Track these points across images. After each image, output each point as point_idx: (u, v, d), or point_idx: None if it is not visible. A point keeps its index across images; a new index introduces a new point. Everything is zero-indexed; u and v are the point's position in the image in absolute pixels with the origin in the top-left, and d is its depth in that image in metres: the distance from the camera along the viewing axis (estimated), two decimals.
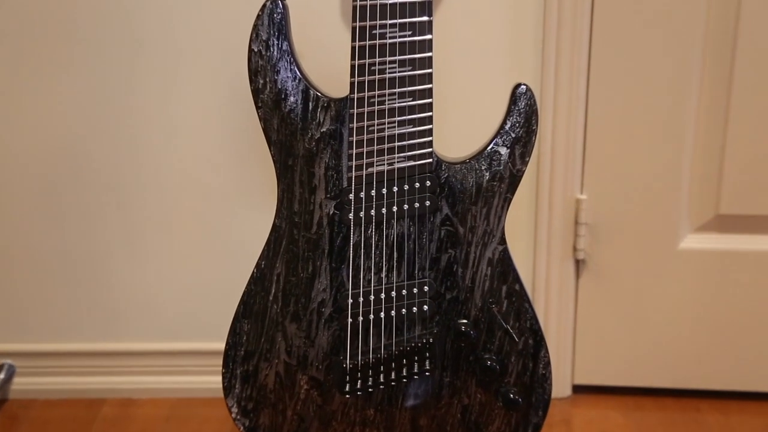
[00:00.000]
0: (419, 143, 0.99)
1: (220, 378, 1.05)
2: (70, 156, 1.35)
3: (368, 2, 0.93)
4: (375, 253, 1.02)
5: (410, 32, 0.94)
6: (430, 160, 1.00)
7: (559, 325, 1.40)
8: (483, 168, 1.02)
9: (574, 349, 1.42)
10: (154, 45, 1.29)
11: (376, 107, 0.96)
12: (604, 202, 1.33)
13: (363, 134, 0.97)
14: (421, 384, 1.07)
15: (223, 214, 1.38)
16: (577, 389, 1.45)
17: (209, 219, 1.38)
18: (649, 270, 1.37)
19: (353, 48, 0.94)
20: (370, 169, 0.99)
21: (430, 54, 0.96)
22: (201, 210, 1.38)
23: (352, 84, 0.95)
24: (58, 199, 1.37)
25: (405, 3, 0.94)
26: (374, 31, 0.94)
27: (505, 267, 1.05)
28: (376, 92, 0.96)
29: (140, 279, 1.42)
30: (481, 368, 1.07)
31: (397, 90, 0.96)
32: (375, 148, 0.98)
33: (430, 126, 0.98)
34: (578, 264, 1.38)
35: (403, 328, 1.05)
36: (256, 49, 0.95)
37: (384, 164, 0.99)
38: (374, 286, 1.03)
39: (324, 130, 0.98)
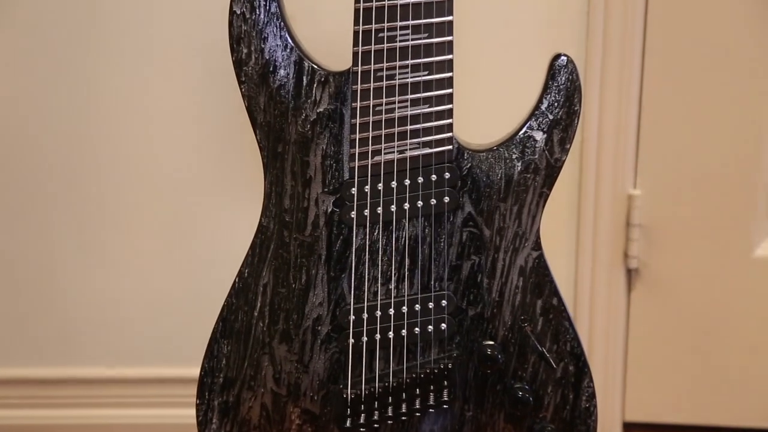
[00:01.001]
0: (436, 127, 1.00)
1: (193, 411, 1.07)
2: (8, 141, 1.37)
3: None
4: (382, 259, 1.04)
5: None
6: (450, 147, 1.01)
7: (607, 349, 1.41)
8: (514, 157, 1.03)
9: (624, 378, 1.43)
10: (110, 3, 1.31)
11: (384, 83, 0.98)
12: (662, 199, 1.35)
13: (368, 115, 0.99)
14: (437, 419, 1.09)
15: (197, 212, 1.40)
16: (629, 427, 1.46)
17: (181, 218, 1.40)
18: (718, 282, 1.38)
19: (356, 10, 0.96)
20: (376, 158, 1.00)
21: (450, 18, 0.97)
22: (171, 207, 1.40)
23: (355, 54, 0.97)
24: None
25: None
26: None
27: (540, 277, 1.06)
28: (385, 64, 0.97)
29: (97, 290, 1.44)
30: (510, 400, 1.08)
31: (410, 62, 0.98)
32: (383, 132, 0.99)
33: (450, 106, 1.00)
34: (630, 274, 1.39)
35: (417, 350, 1.06)
36: (238, 11, 0.97)
37: (394, 152, 1.00)
38: (381, 300, 1.05)
39: (321, 110, 1.00)
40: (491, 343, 1.07)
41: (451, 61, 0.98)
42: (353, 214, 1.02)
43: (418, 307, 1.05)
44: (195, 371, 1.07)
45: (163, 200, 1.40)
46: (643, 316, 1.41)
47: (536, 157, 1.03)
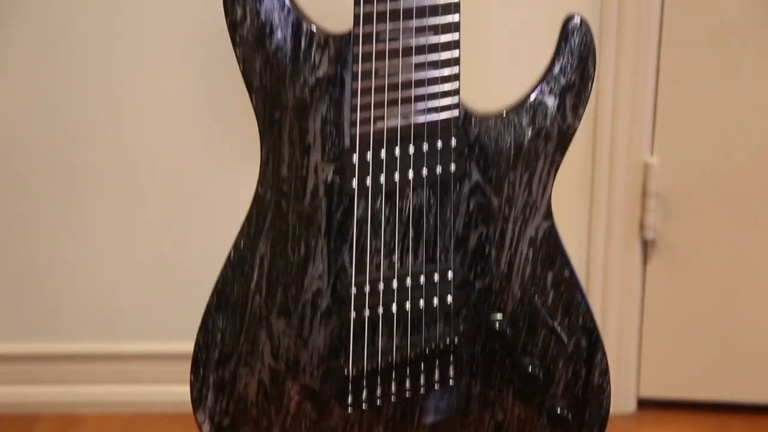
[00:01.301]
0: (442, 92, 1.01)
1: (187, 388, 1.08)
2: None
3: None
4: (385, 230, 1.05)
5: None
6: (457, 113, 1.02)
7: (621, 322, 1.42)
8: (524, 123, 1.04)
9: (639, 352, 1.44)
10: None
11: (387, 45, 0.98)
12: (680, 167, 1.35)
13: (370, 80, 0.99)
14: (443, 396, 1.10)
15: (190, 181, 1.41)
16: (644, 404, 1.48)
17: (173, 187, 1.41)
18: (739, 254, 1.38)
19: None
20: (379, 125, 1.01)
21: None
22: (162, 176, 1.41)
23: (356, 15, 0.97)
24: None
25: None
26: None
27: (551, 248, 1.07)
28: (387, 26, 0.98)
29: (85, 264, 1.45)
30: (520, 376, 1.09)
31: (414, 23, 0.98)
32: (385, 97, 1.00)
33: (457, 69, 1.00)
34: (646, 245, 1.40)
35: (421, 325, 1.07)
36: None
37: (397, 118, 1.01)
38: (384, 273, 1.05)
39: (320, 74, 1.00)
40: (499, 316, 1.08)
41: (458, 22, 0.99)
42: (354, 183, 1.02)
43: (422, 279, 1.06)
44: (189, 346, 1.08)
45: (155, 169, 1.41)
46: (659, 289, 1.42)
47: (548, 123, 1.04)
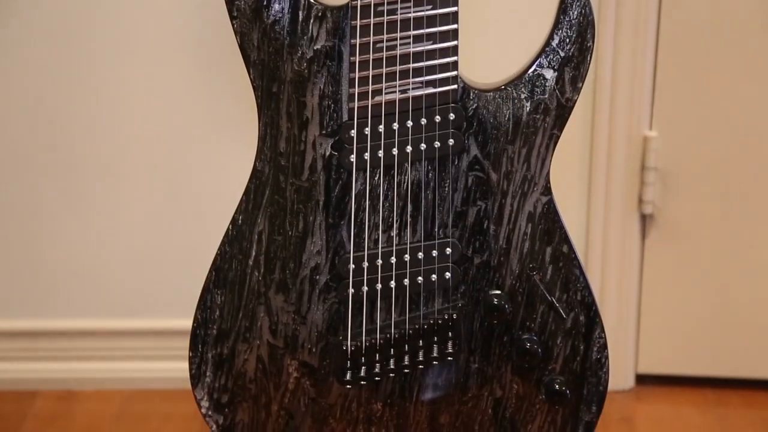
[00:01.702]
0: (441, 65, 1.00)
1: (185, 364, 1.09)
2: None
3: None
4: (384, 205, 1.04)
5: None
6: (455, 86, 1.02)
7: (620, 298, 1.42)
8: (523, 96, 1.03)
9: (638, 327, 1.44)
10: None
11: (386, 18, 0.98)
12: (680, 140, 1.35)
13: (368, 53, 0.99)
14: (442, 372, 1.10)
15: (188, 155, 1.40)
16: (642, 379, 1.48)
17: (170, 162, 1.41)
18: (738, 229, 1.38)
19: None
20: (377, 98, 1.00)
21: None
22: (160, 150, 1.40)
23: None
24: None
25: None
26: None
27: (550, 223, 1.07)
28: None
29: (82, 239, 1.44)
30: (518, 352, 1.09)
31: None
32: (384, 70, 0.99)
33: (456, 42, 1.00)
34: (645, 220, 1.40)
35: (420, 300, 1.07)
36: None
37: (395, 91, 1.00)
38: (382, 248, 1.05)
39: (318, 47, 1.00)
40: (498, 292, 1.08)
41: None
42: (353, 158, 1.02)
43: (421, 255, 1.06)
44: (187, 323, 1.09)
45: (153, 145, 1.40)
46: (658, 264, 1.42)
47: (546, 96, 1.03)
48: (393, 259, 1.06)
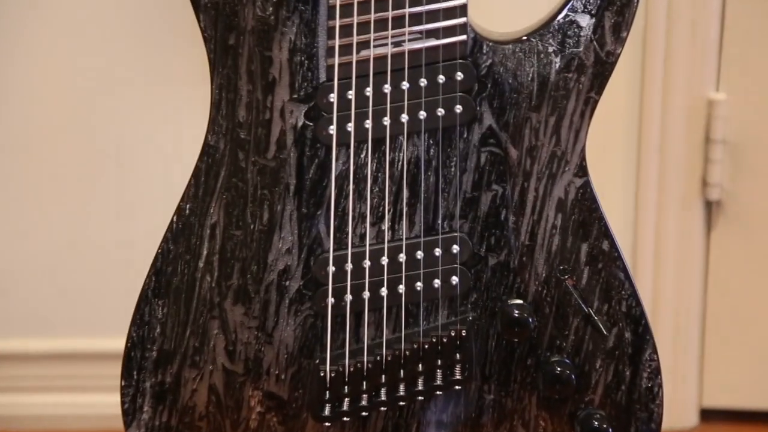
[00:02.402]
0: (445, 9, 1.02)
1: (116, 397, 1.10)
2: None
3: None
4: (372, 191, 1.07)
5: None
6: (464, 37, 1.03)
7: (678, 309, 1.42)
8: (551, 50, 1.05)
9: (702, 348, 1.45)
10: None
11: None
12: (754, 106, 1.35)
13: None
14: (447, 405, 1.12)
15: (117, 127, 1.40)
16: (708, 415, 1.49)
17: (94, 133, 1.41)
18: None
19: None
20: (363, 53, 1.02)
21: None
22: (80, 118, 1.41)
23: None
24: None
25: None
26: None
27: (586, 213, 1.09)
28: None
29: None
30: (546, 379, 1.12)
31: None
32: (372, 17, 1.01)
33: None
34: (710, 208, 1.41)
35: (419, 313, 1.10)
36: None
37: (387, 44, 1.02)
38: (371, 246, 1.08)
39: None
40: (519, 302, 1.10)
41: None
42: (332, 130, 1.04)
43: (420, 254, 1.08)
44: (119, 343, 1.10)
45: (70, 109, 1.41)
46: (728, 263, 1.42)
47: (581, 49, 1.05)
48: (384, 260, 1.08)
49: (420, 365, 1.11)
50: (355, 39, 1.02)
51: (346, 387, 1.10)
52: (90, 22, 1.41)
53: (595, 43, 1.05)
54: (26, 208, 1.45)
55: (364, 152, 1.06)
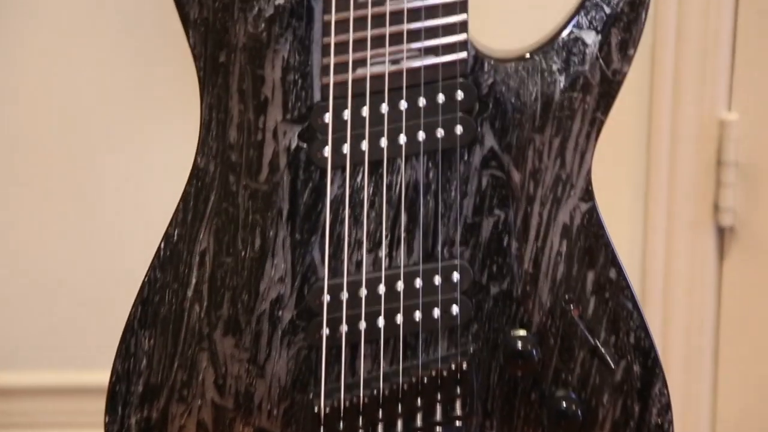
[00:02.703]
0: (445, 26, 1.02)
1: None
2: None
3: None
4: (369, 216, 1.05)
5: None
6: (464, 54, 1.03)
7: (689, 340, 1.42)
8: (555, 68, 1.05)
9: (715, 381, 1.44)
10: None
11: None
12: None
13: (348, 9, 1.00)
14: None
15: (105, 150, 1.40)
16: None
17: (74, 161, 1.41)
18: None
19: None
20: (360, 71, 1.02)
21: None
22: (64, 138, 1.40)
23: None
24: None
25: None
26: None
27: (592, 239, 1.08)
28: None
29: None
30: (551, 414, 1.11)
31: None
32: (369, 33, 1.01)
33: None
34: (723, 234, 1.40)
35: (418, 344, 1.09)
36: None
37: (384, 62, 1.02)
38: (368, 274, 1.07)
39: (281, 2, 1.00)
40: (523, 333, 1.09)
41: None
42: (327, 152, 1.03)
43: (419, 282, 1.07)
44: (103, 377, 1.09)
45: (55, 131, 1.41)
46: (742, 293, 1.42)
47: (587, 67, 1.05)
48: (382, 289, 1.07)
49: (419, 400, 1.10)
50: (351, 57, 1.02)
51: (341, 423, 1.09)
52: (74, 38, 1.38)
53: (601, 61, 1.05)
54: (6, 238, 1.43)
55: (360, 175, 1.05)
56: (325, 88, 1.02)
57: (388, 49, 1.01)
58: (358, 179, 1.05)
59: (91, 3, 1.37)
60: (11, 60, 1.39)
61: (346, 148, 1.03)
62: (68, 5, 1.37)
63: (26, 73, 1.40)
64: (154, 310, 1.07)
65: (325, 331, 1.07)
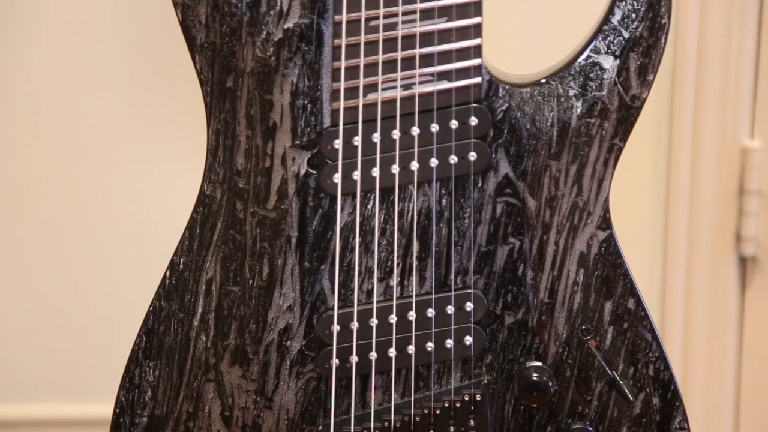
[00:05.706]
0: (458, 51, 1.02)
1: None
2: None
3: None
4: (380, 244, 1.06)
5: None
6: (478, 79, 1.03)
7: (710, 372, 1.42)
8: (572, 93, 1.05)
9: (737, 415, 1.44)
10: None
11: None
12: None
13: (359, 34, 1.00)
14: None
15: (112, 177, 1.41)
16: None
17: (77, 186, 1.41)
18: None
19: None
20: (371, 96, 1.02)
21: None
22: (68, 164, 1.41)
23: None
24: None
25: None
26: None
27: (609, 269, 1.09)
28: None
29: None
30: None
31: None
32: (380, 58, 1.01)
33: (479, 19, 1.01)
34: (745, 264, 1.40)
35: (430, 376, 1.09)
36: None
37: (396, 87, 1.02)
38: (378, 303, 1.07)
39: (290, 25, 1.01)
40: (538, 365, 1.10)
41: None
42: (337, 178, 1.04)
43: (431, 312, 1.07)
44: (107, 409, 1.09)
45: (59, 158, 1.41)
46: (765, 324, 1.42)
47: (604, 93, 1.05)
48: (393, 318, 1.07)
49: None
50: (361, 81, 1.02)
51: None
52: (74, 63, 1.39)
53: (619, 86, 1.05)
54: (6, 266, 1.43)
55: (371, 202, 1.05)
56: (335, 113, 1.02)
57: (400, 74, 1.01)
58: (369, 206, 1.05)
59: (99, 21, 1.38)
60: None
61: (356, 175, 1.04)
62: (75, 23, 1.39)
63: (27, 95, 1.41)
64: (160, 340, 1.07)
65: (335, 361, 1.07)
